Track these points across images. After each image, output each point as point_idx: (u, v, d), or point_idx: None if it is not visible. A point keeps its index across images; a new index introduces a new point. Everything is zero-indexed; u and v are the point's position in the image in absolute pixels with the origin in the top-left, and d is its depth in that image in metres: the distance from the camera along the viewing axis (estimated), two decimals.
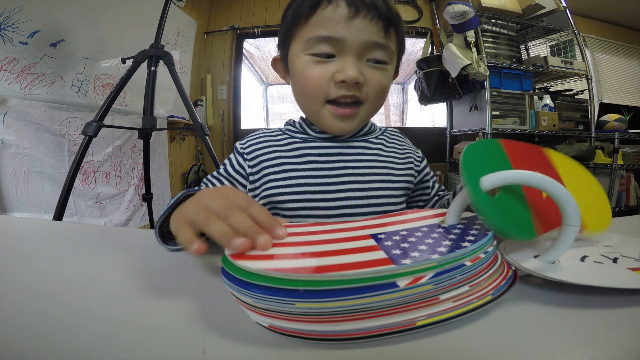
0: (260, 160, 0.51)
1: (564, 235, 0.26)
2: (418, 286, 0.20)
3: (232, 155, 0.54)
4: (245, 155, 0.52)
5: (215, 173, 0.54)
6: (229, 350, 0.20)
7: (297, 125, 0.55)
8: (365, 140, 0.54)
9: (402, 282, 0.20)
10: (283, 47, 0.50)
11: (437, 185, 0.60)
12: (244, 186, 0.52)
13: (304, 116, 0.55)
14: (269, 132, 0.55)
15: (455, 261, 0.22)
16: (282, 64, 0.52)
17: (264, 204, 0.50)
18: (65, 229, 0.52)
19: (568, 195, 0.25)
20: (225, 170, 0.53)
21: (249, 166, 0.51)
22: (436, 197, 0.58)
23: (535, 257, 0.28)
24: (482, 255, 0.24)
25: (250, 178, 0.51)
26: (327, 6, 0.43)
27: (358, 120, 0.49)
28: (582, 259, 0.29)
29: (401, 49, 0.50)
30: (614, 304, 0.24)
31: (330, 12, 0.43)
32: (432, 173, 0.60)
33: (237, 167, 0.52)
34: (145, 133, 1.37)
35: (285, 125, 0.57)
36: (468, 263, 0.22)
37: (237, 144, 0.54)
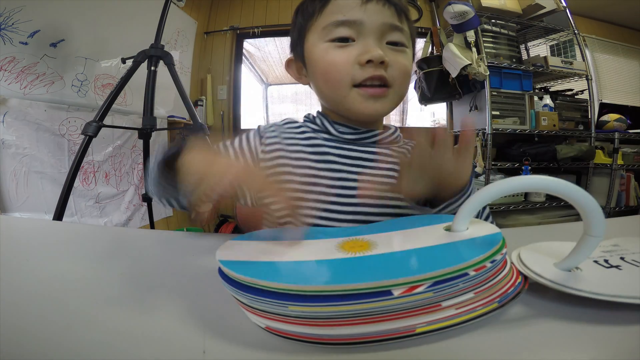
0: (280, 154, 0.50)
1: (585, 245, 0.24)
2: (415, 294, 0.19)
3: (250, 135, 0.52)
4: (263, 140, 0.51)
5: (227, 143, 0.51)
6: (229, 350, 0.20)
7: (318, 122, 0.52)
8: (388, 148, 0.52)
9: (396, 291, 0.19)
10: (298, 43, 0.51)
11: None
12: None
13: (319, 110, 0.54)
14: (295, 128, 0.53)
15: (453, 272, 0.20)
16: (297, 63, 0.52)
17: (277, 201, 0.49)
18: (65, 229, 0.52)
19: (594, 203, 0.22)
20: (240, 144, 0.51)
21: (263, 151, 0.50)
22: None
23: (554, 264, 0.26)
24: (489, 264, 0.22)
25: (261, 164, 0.50)
26: None
27: (388, 102, 0.47)
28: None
29: (413, 37, 0.51)
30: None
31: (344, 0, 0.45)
32: None
33: (251, 145, 0.51)
34: (145, 133, 1.37)
35: (304, 121, 0.55)
36: (472, 272, 0.21)
37: (261, 126, 0.53)
